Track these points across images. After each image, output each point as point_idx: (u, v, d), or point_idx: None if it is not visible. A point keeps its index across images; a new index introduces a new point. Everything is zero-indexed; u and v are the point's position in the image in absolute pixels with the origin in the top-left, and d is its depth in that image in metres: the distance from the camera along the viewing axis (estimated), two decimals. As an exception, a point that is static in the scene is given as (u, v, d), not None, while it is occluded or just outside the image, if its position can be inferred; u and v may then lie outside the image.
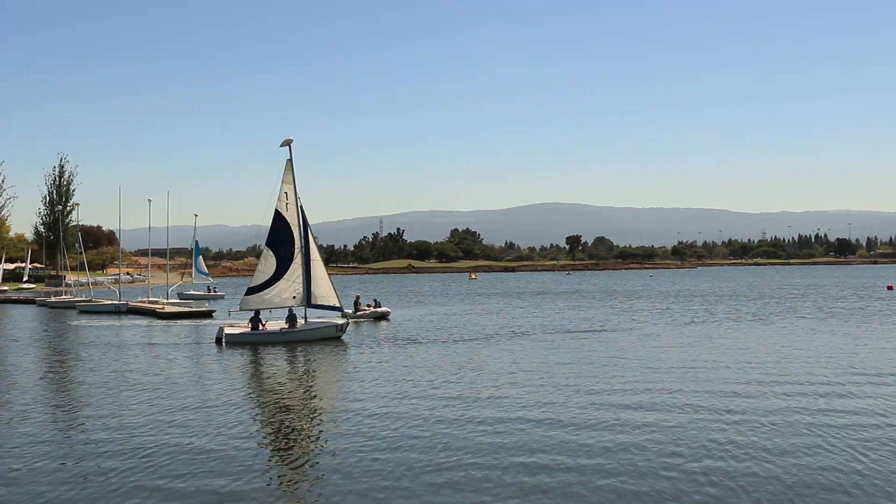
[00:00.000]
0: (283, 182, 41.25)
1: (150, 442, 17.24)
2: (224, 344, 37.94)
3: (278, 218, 41.09)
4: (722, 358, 30.33)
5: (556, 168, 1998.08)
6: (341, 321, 41.53)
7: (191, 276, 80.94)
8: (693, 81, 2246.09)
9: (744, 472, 14.32)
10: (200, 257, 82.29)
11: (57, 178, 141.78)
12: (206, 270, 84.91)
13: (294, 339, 39.14)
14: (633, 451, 15.82)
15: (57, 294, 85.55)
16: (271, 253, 41.30)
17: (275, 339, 38.94)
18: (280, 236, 41.23)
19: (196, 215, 79.41)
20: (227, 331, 39.00)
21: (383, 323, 51.07)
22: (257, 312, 40.31)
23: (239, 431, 18.30)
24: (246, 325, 40.14)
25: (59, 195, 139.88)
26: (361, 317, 53.13)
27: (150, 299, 70.69)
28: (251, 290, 40.99)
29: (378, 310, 54.87)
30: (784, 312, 55.09)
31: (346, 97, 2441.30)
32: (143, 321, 56.25)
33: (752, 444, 16.24)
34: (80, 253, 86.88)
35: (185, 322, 53.93)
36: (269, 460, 15.99)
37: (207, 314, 59.32)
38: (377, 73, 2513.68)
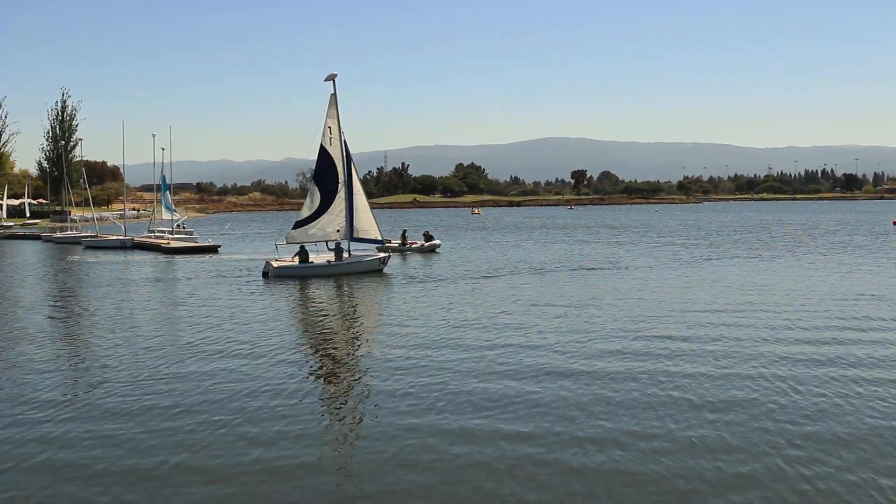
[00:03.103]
0: (327, 117, 41.66)
1: (200, 373, 17.56)
2: (271, 277, 38.55)
3: (323, 153, 41.59)
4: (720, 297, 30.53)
5: (562, 102, 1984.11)
6: (384, 254, 42.40)
7: (160, 213, 78.03)
8: (700, 14, 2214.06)
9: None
10: (168, 193, 79.59)
11: (60, 113, 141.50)
12: (173, 207, 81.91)
13: (340, 272, 39.96)
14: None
15: (62, 230, 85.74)
16: (317, 188, 41.88)
17: (321, 272, 39.66)
18: (324, 171, 41.75)
19: (163, 149, 76.94)
20: (275, 264, 39.55)
21: (432, 255, 52.62)
22: (303, 247, 40.89)
23: (287, 362, 18.68)
24: (292, 258, 40.77)
25: (63, 130, 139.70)
26: (410, 250, 54.54)
27: (156, 233, 70.58)
28: (297, 224, 41.67)
29: (428, 243, 56.02)
30: (784, 248, 55.21)
31: (348, 31, 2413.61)
32: (151, 256, 56.58)
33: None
34: (85, 188, 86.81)
35: (192, 257, 54.10)
36: (317, 391, 16.31)
37: (213, 249, 59.48)
38: (380, 7, 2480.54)
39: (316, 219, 41.49)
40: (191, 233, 78.15)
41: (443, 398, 15.15)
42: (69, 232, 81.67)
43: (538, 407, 14.48)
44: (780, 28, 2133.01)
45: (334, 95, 41.77)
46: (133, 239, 67.91)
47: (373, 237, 43.03)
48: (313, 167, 42.25)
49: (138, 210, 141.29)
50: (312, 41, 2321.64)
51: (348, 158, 42.02)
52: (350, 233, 42.16)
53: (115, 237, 70.33)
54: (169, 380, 16.97)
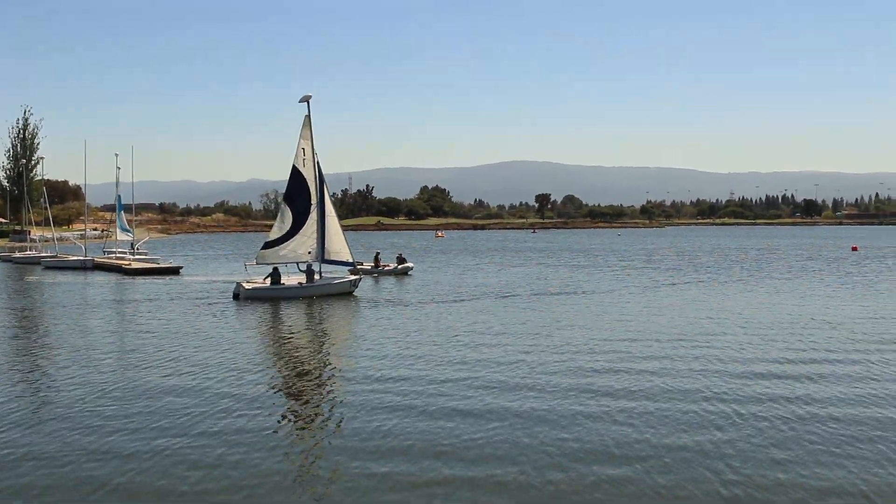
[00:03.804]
0: (300, 138, 41.90)
1: (151, 412, 16.53)
2: (242, 298, 38.30)
3: (295, 174, 41.78)
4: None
5: (528, 126, 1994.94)
6: (355, 276, 42.40)
7: (115, 234, 76.35)
8: (662, 39, 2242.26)
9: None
10: (123, 213, 78.37)
11: (21, 131, 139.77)
12: (128, 227, 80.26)
13: (311, 294, 39.76)
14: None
15: (21, 249, 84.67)
16: (288, 209, 41.88)
17: (292, 294, 39.46)
18: (296, 192, 41.87)
19: (119, 168, 76.60)
20: (246, 285, 39.28)
21: (404, 277, 53.21)
22: (276, 268, 40.71)
23: (245, 399, 17.74)
24: (264, 280, 40.54)
25: (24, 149, 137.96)
26: (383, 272, 54.74)
27: (118, 254, 69.96)
28: (268, 245, 41.58)
29: (400, 266, 56.28)
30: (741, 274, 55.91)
31: (313, 53, 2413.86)
32: (112, 277, 56.06)
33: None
34: (46, 208, 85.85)
35: (153, 278, 53.60)
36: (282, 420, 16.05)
37: (174, 270, 59.02)
38: (344, 27, 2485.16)
39: (287, 240, 41.49)
40: (145, 254, 75.54)
41: (400, 437, 14.62)
42: (28, 252, 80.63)
43: (489, 449, 13.96)
44: (741, 53, 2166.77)
45: (308, 117, 42.01)
46: (94, 260, 67.28)
47: (344, 259, 43.01)
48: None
49: (100, 231, 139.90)
50: (276, 63, 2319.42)
51: (321, 180, 42.15)
52: (321, 255, 42.15)
53: (75, 258, 69.53)
54: (115, 417, 15.93)
